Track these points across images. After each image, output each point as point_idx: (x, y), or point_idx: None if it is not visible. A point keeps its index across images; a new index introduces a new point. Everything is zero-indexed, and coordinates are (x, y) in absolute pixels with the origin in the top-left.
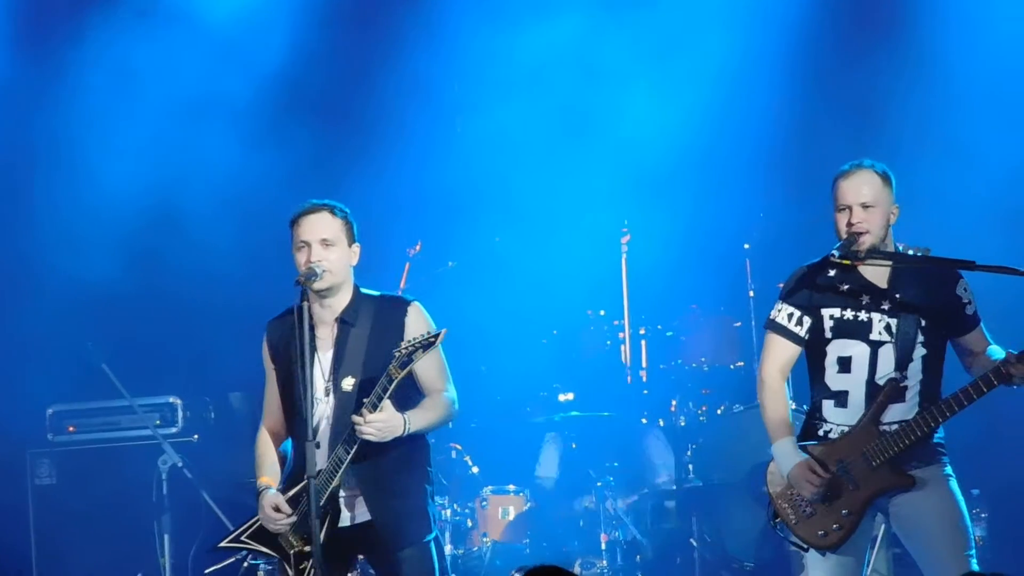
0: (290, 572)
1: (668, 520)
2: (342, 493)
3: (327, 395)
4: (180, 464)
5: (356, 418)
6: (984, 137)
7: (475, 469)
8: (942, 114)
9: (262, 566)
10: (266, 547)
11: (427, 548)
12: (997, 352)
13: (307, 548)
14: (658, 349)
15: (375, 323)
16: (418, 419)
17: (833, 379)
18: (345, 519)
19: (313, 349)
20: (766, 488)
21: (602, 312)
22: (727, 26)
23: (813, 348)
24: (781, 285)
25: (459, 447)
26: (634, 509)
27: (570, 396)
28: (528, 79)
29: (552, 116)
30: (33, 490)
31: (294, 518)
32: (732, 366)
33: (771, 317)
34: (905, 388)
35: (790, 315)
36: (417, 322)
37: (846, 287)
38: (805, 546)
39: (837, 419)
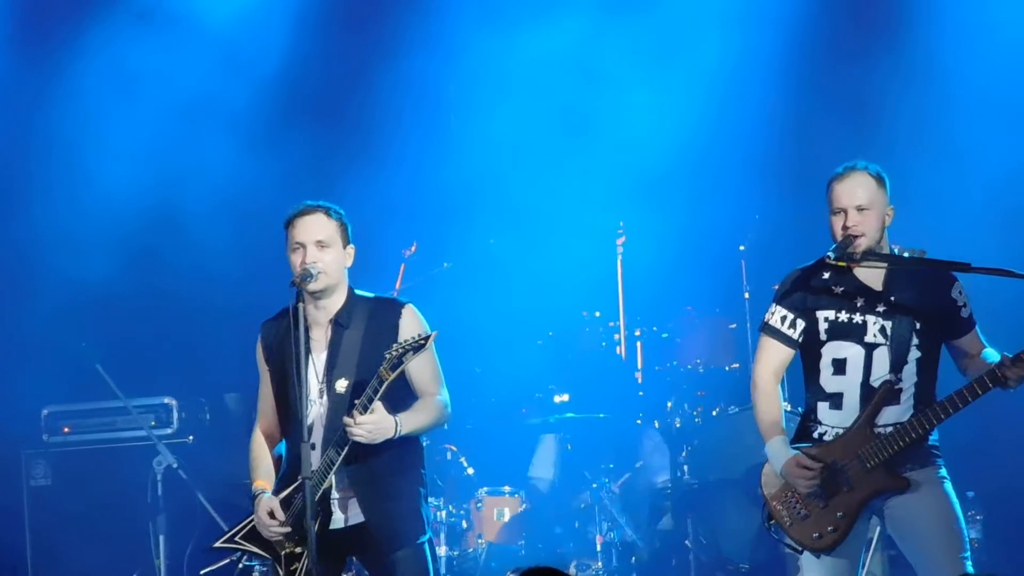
0: (281, 573)
1: (663, 521)
2: (336, 495)
3: (321, 397)
4: (175, 465)
5: (347, 419)
6: (980, 138)
7: (470, 470)
8: (937, 115)
9: (257, 567)
10: (258, 548)
11: (421, 549)
12: (992, 355)
13: (298, 549)
14: (653, 350)
15: (369, 325)
16: (410, 421)
17: (828, 381)
18: (339, 521)
19: (307, 351)
20: (761, 490)
21: (597, 314)
22: (722, 27)
23: (808, 350)
24: (776, 287)
25: (454, 448)
26: (629, 510)
27: (565, 397)
28: (523, 80)
29: (547, 117)
30: (28, 491)
31: (288, 528)
32: (727, 368)
33: (765, 320)
34: (900, 390)
35: (783, 318)
36: (411, 324)
37: (841, 289)
38: (800, 548)
39: (832, 421)
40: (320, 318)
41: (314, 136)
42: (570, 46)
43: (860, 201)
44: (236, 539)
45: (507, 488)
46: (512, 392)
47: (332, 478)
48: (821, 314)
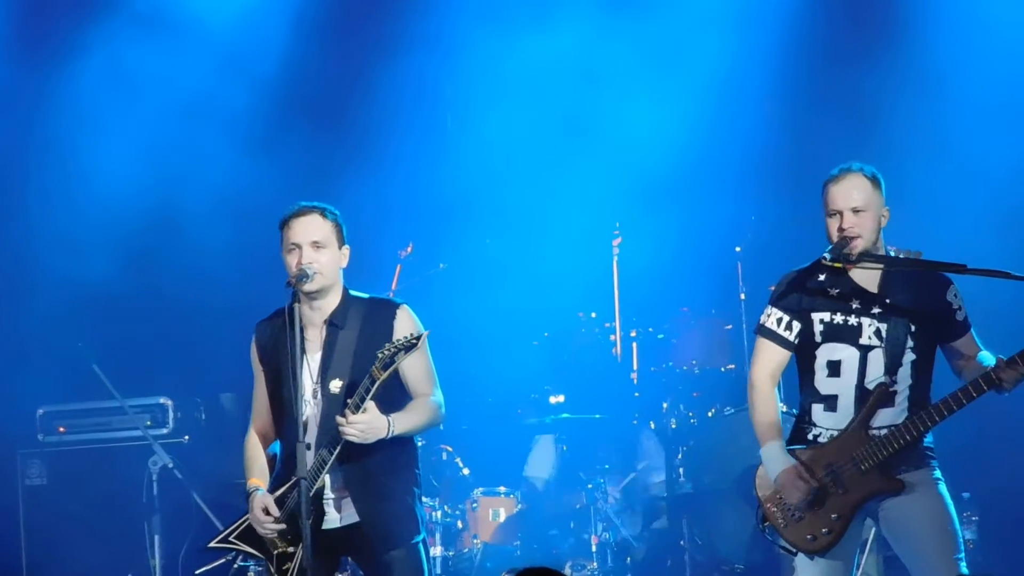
0: (273, 572)
1: (659, 522)
2: (331, 495)
3: (315, 397)
4: (171, 465)
5: (339, 418)
6: (975, 140)
7: (466, 471)
8: (933, 116)
9: (252, 567)
10: (252, 547)
11: (415, 549)
12: (988, 358)
13: (290, 549)
14: (649, 351)
15: (364, 325)
16: (403, 421)
17: (822, 383)
18: (334, 521)
19: (302, 351)
20: (755, 491)
21: (593, 314)
22: (718, 29)
23: (803, 352)
24: (772, 288)
25: (450, 449)
26: (625, 511)
27: (561, 398)
28: (519, 82)
29: (543, 118)
30: (23, 491)
31: (283, 525)
32: (723, 369)
33: (761, 322)
34: (894, 392)
35: (779, 320)
36: (406, 324)
37: (836, 291)
38: (794, 550)
39: (826, 423)
40: (315, 318)
41: (312, 137)
42: (566, 47)
43: (856, 203)
44: (230, 539)
45: (502, 488)
46: (508, 393)
47: (326, 478)
48: (816, 316)
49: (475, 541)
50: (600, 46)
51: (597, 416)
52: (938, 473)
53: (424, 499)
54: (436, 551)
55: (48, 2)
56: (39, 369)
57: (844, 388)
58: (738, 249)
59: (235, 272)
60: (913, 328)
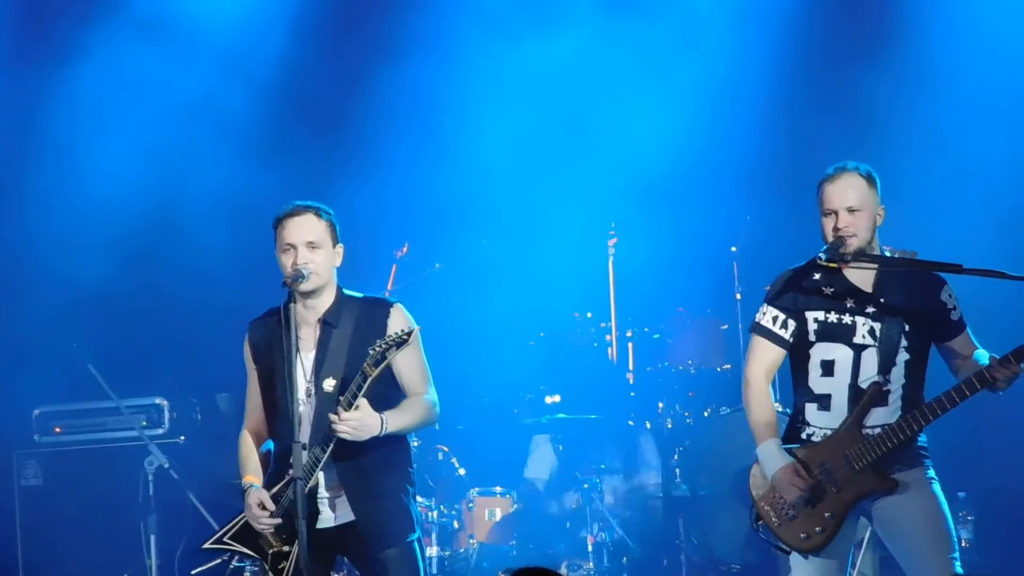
0: (268, 572)
1: (655, 522)
2: (325, 494)
3: (308, 396)
4: (166, 465)
5: (332, 416)
6: (971, 139)
7: (462, 471)
8: (928, 116)
9: (248, 567)
10: (246, 547)
11: (410, 548)
12: (983, 357)
13: (285, 548)
14: (645, 351)
15: (358, 324)
16: (396, 419)
17: (816, 382)
18: (328, 520)
19: (296, 350)
20: (749, 490)
21: (589, 314)
22: (714, 30)
23: (797, 351)
24: (768, 288)
25: (446, 449)
26: (621, 511)
27: (557, 398)
28: (515, 83)
29: (539, 119)
30: (19, 491)
31: (279, 520)
32: (719, 369)
33: (756, 320)
34: (888, 392)
35: (775, 318)
36: (399, 323)
37: (831, 290)
38: (788, 549)
39: (820, 422)
40: (309, 317)
41: (310, 138)
42: (561, 49)
43: (851, 202)
44: (225, 539)
45: (498, 488)
46: (504, 393)
47: (320, 476)
48: (811, 315)
49: (471, 541)
50: (594, 47)
51: (593, 416)
52: (932, 472)
53: (420, 499)
54: (432, 551)
55: (48, 3)
56: (35, 370)
57: (837, 387)
58: (734, 249)
59: (232, 273)
60: (907, 328)
